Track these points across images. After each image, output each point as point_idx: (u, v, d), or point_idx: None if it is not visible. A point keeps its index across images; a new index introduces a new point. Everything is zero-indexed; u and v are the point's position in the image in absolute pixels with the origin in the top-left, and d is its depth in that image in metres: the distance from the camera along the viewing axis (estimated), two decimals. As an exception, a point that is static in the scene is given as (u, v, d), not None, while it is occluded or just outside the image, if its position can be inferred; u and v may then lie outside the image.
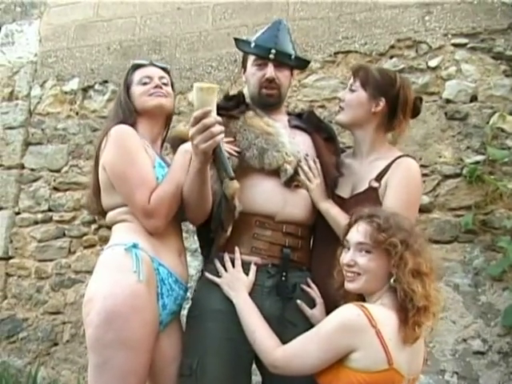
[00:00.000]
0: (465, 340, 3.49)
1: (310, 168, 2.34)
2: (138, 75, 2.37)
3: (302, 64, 2.60)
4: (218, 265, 2.23)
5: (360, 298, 1.95)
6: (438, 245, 3.64)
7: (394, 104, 2.33)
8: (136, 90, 2.35)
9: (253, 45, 2.41)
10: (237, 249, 2.23)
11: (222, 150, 2.00)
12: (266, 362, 1.95)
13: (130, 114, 2.31)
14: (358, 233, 1.91)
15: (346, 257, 1.93)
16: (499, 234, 3.52)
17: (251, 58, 2.44)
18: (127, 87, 2.37)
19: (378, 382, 1.75)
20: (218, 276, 2.22)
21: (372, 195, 2.21)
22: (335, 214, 2.26)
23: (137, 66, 2.41)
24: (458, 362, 3.48)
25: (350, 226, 1.98)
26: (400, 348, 1.78)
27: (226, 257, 2.24)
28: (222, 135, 1.97)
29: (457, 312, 3.54)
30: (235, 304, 2.11)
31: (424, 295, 1.82)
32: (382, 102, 2.33)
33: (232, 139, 2.26)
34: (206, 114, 1.91)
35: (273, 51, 2.34)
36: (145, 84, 2.33)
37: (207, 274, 2.26)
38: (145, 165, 2.19)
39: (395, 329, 1.79)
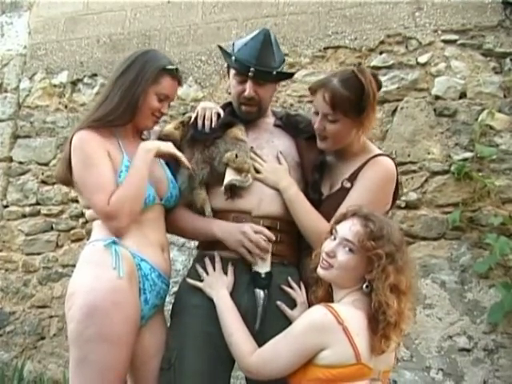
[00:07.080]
0: (450, 337, 3.51)
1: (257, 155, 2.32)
2: (163, 84, 2.26)
3: (284, 77, 2.56)
4: (201, 270, 2.24)
5: (330, 286, 1.96)
6: (425, 241, 3.66)
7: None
8: (150, 98, 2.24)
9: (233, 58, 2.30)
10: (216, 253, 2.23)
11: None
12: (240, 366, 1.97)
13: (129, 112, 2.21)
14: (350, 231, 1.88)
15: (329, 245, 1.91)
16: (486, 231, 3.53)
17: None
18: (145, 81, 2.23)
19: (346, 376, 1.76)
20: (200, 280, 2.22)
21: (344, 196, 2.18)
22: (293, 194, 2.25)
23: (168, 71, 2.26)
24: (443, 358, 3.49)
25: (345, 216, 1.95)
26: (368, 343, 1.79)
27: (207, 261, 2.24)
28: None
29: (443, 309, 3.55)
30: (216, 304, 2.11)
31: (397, 311, 1.81)
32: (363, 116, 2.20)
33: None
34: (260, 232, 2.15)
35: (252, 69, 2.24)
36: (160, 100, 2.26)
37: (188, 280, 2.26)
38: (103, 170, 2.13)
39: (362, 325, 1.80)
